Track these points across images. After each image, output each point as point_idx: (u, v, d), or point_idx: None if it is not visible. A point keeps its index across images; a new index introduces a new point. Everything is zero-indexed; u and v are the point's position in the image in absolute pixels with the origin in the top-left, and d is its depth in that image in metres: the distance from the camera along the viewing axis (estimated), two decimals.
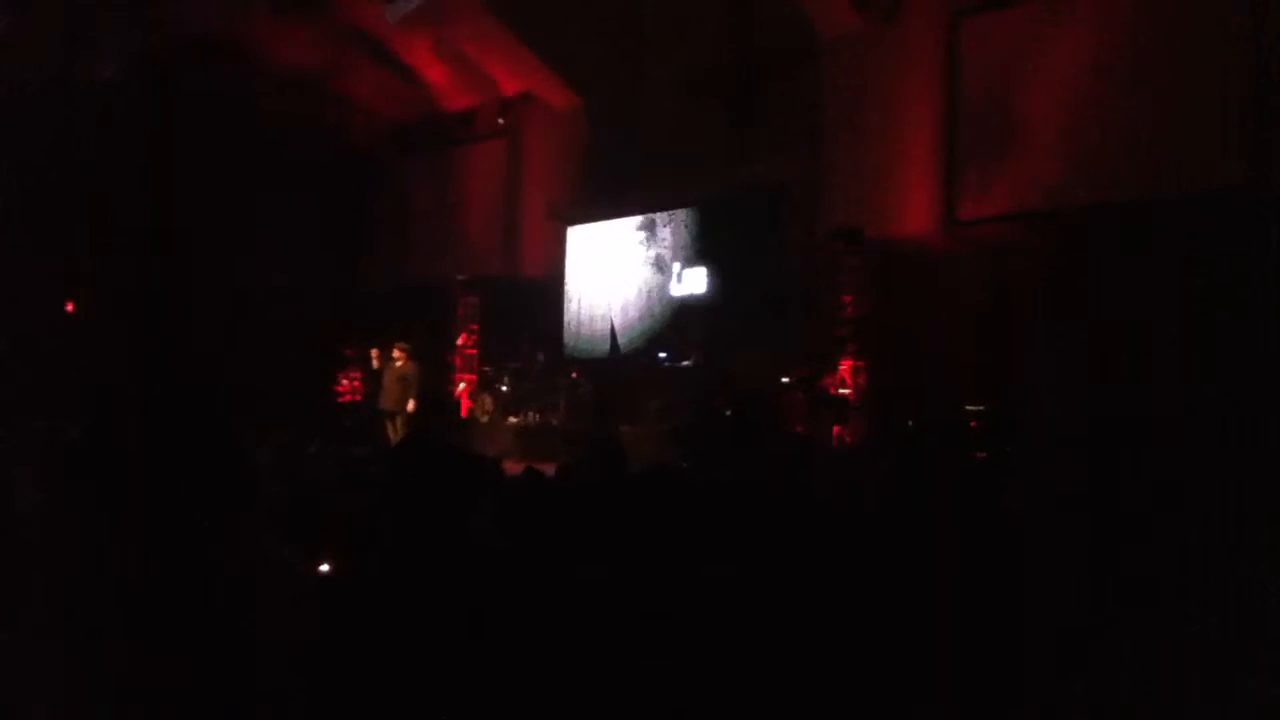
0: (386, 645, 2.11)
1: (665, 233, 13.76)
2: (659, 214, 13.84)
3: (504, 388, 14.37)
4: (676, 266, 13.51)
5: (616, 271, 14.34)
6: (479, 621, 2.15)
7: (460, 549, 2.34)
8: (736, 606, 2.43)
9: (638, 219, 14.12)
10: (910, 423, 10.27)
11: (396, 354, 13.10)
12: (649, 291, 13.86)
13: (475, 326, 15.13)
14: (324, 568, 2.79)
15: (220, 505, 2.20)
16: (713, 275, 13.05)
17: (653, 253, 13.89)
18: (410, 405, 12.81)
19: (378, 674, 2.09)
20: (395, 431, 12.88)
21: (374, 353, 13.53)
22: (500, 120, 15.88)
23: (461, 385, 14.86)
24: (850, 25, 11.76)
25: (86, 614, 2.10)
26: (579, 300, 14.91)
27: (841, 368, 11.07)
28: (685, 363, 12.75)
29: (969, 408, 9.85)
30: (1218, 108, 8.98)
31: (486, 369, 14.88)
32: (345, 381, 14.50)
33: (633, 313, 14.07)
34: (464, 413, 14.64)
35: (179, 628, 2.04)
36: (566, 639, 2.21)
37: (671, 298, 13.52)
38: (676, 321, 13.35)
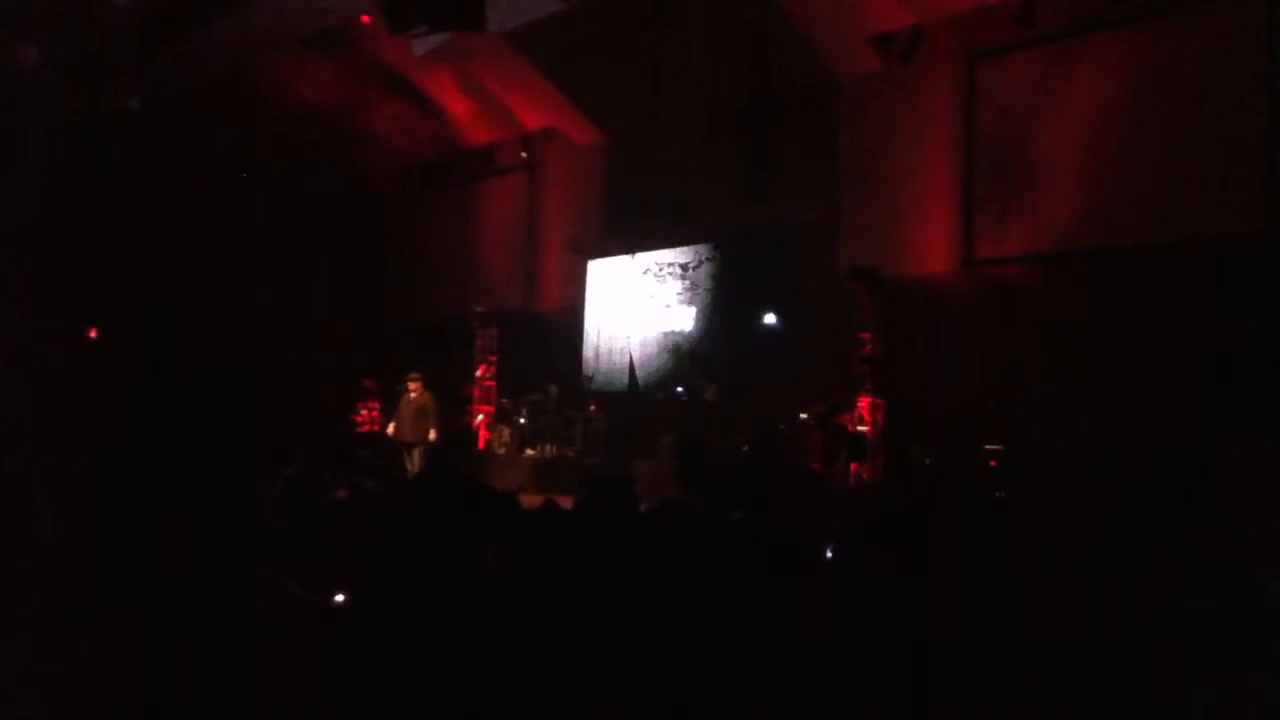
0: (393, 677, 2.13)
1: (685, 269, 13.80)
2: (678, 250, 13.90)
3: (522, 420, 14.39)
4: (696, 302, 13.54)
5: (635, 306, 14.39)
6: (485, 655, 2.16)
7: (470, 584, 2.36)
8: (742, 648, 2.43)
9: (657, 254, 14.18)
10: (928, 460, 10.22)
11: (411, 385, 13.11)
12: (668, 327, 13.89)
13: (494, 359, 15.19)
14: (338, 598, 2.80)
15: (225, 538, 2.23)
16: (731, 312, 13.08)
17: (672, 288, 13.93)
18: (432, 435, 12.76)
19: (384, 705, 2.11)
20: (413, 463, 12.88)
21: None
22: (523, 155, 16.02)
23: (480, 417, 14.90)
24: (868, 66, 11.85)
25: (94, 641, 2.12)
26: (598, 334, 14.95)
27: (860, 405, 11.07)
28: (706, 397, 12.73)
29: (988, 446, 9.81)
30: (1232, 152, 8.99)
31: (504, 401, 14.92)
32: (365, 412, 14.55)
33: (652, 348, 14.10)
34: (481, 445, 14.66)
35: (186, 659, 2.06)
36: (569, 676, 2.22)
37: (690, 333, 13.54)
38: (695, 357, 13.36)
